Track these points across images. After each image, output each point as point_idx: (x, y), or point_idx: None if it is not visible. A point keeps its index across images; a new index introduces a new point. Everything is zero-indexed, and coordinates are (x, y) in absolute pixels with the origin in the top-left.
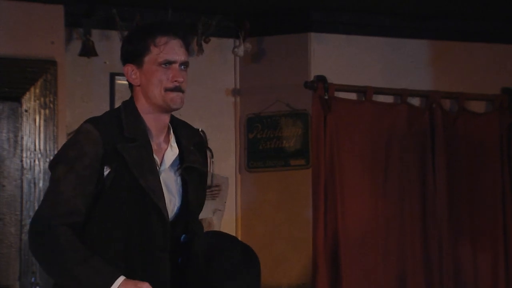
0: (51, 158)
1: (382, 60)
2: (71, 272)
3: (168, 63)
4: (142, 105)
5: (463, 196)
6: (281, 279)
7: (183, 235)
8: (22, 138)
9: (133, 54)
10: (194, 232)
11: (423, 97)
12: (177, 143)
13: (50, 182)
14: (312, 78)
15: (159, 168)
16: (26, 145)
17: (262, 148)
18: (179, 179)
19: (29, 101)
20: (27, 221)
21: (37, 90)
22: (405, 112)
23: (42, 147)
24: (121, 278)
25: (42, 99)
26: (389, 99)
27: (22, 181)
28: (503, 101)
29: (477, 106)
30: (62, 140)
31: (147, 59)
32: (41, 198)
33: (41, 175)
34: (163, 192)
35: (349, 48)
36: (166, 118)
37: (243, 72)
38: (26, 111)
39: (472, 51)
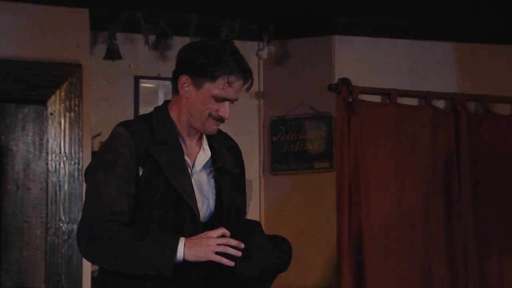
0: (86, 166)
1: (406, 63)
2: (135, 252)
3: (225, 100)
4: (177, 113)
5: (488, 199)
6: (305, 282)
7: None
8: (47, 141)
9: (197, 71)
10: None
11: (447, 100)
12: (209, 146)
13: (89, 188)
14: (336, 80)
15: (191, 170)
16: (52, 148)
17: (286, 151)
18: (212, 181)
19: (54, 104)
20: (52, 224)
21: (62, 93)
22: (430, 115)
23: (67, 150)
24: (183, 239)
25: (67, 102)
26: (413, 101)
27: (47, 184)
28: None
29: (502, 109)
30: (87, 143)
31: (208, 85)
32: (66, 200)
33: (66, 178)
34: (194, 193)
35: (373, 51)
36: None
37: (267, 75)
38: (51, 114)
39: (496, 53)
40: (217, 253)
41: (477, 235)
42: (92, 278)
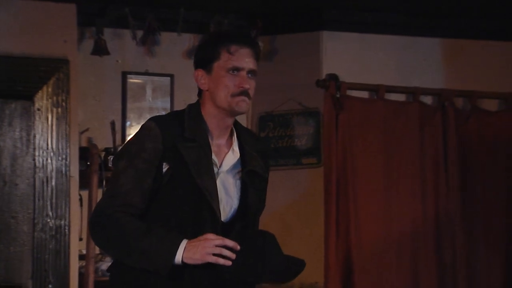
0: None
1: (394, 59)
2: (137, 247)
3: (236, 69)
4: (208, 109)
5: (476, 194)
6: None
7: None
8: (34, 136)
9: (203, 60)
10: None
11: (435, 96)
12: (239, 148)
13: (112, 175)
14: (324, 76)
15: (218, 170)
16: (39, 143)
17: (274, 147)
18: (238, 182)
19: (42, 100)
20: (40, 220)
21: (50, 89)
22: (417, 110)
23: (54, 146)
24: (185, 242)
25: (54, 97)
26: (401, 97)
27: (34, 180)
28: None
29: (490, 105)
30: (74, 139)
31: (216, 65)
32: (54, 196)
33: (54, 174)
34: (217, 193)
35: (361, 47)
36: (229, 121)
37: None
38: (38, 109)
39: (485, 49)
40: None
41: (465, 230)
42: (80, 274)
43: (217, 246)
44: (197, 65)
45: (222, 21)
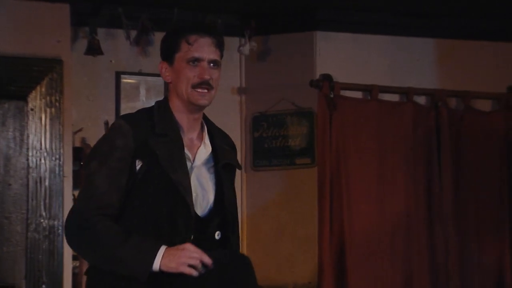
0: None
1: (387, 59)
2: (114, 255)
3: (196, 60)
4: (174, 103)
5: (469, 194)
6: (287, 278)
7: (218, 232)
8: (28, 136)
9: (165, 52)
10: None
11: (428, 96)
12: (210, 142)
13: (85, 177)
14: (317, 76)
15: (192, 164)
16: (32, 143)
17: (268, 147)
18: (212, 176)
19: (35, 100)
20: (33, 220)
21: (43, 89)
22: (411, 110)
23: (48, 146)
24: (163, 249)
25: (48, 98)
26: (394, 97)
27: (28, 180)
28: (509, 100)
29: (483, 105)
30: (68, 139)
31: (177, 56)
32: (47, 196)
33: (47, 174)
34: (191, 186)
35: (354, 47)
36: (196, 116)
37: (248, 70)
38: (32, 109)
39: (478, 50)
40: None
41: (458, 229)
42: (74, 274)
43: (193, 258)
44: (162, 58)
45: (216, 21)
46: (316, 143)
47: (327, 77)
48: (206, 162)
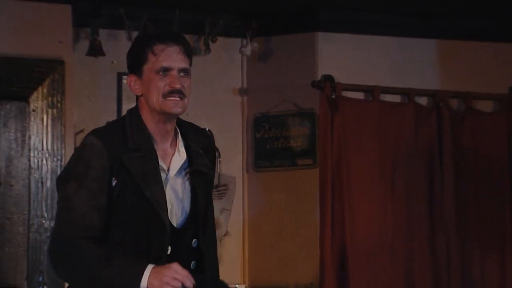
0: (58, 175)
1: (389, 60)
2: (100, 278)
3: (166, 70)
4: (145, 115)
5: (470, 196)
6: (288, 279)
7: (194, 240)
8: (29, 137)
9: (133, 65)
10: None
11: (430, 97)
12: (185, 146)
13: (61, 200)
14: (319, 77)
15: (167, 174)
16: (34, 144)
17: (269, 148)
18: (187, 183)
19: (37, 101)
20: (35, 221)
21: (45, 90)
22: (412, 111)
23: (49, 147)
24: (150, 268)
25: (49, 98)
26: (396, 98)
27: (29, 181)
28: (510, 101)
29: (485, 106)
30: (70, 140)
31: (145, 68)
32: (49, 197)
33: (49, 175)
34: (166, 203)
35: (356, 48)
36: (169, 125)
37: (250, 71)
38: (33, 110)
39: (479, 51)
40: None
41: (459, 231)
42: None
43: (175, 280)
44: (129, 71)
45: (217, 22)
46: (317, 144)
47: (328, 78)
48: (181, 169)
